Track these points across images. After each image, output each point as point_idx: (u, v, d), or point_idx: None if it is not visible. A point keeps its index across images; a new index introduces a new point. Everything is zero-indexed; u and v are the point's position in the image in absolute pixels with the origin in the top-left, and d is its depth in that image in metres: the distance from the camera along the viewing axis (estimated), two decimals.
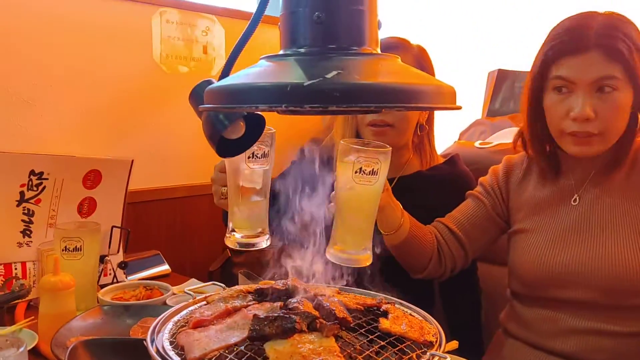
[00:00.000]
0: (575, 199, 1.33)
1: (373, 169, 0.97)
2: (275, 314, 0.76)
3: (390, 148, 0.99)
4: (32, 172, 1.44)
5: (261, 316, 0.76)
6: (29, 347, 1.13)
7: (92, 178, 1.55)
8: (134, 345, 1.09)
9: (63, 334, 1.18)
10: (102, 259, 1.57)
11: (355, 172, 0.97)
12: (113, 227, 1.59)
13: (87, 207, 1.57)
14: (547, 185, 1.39)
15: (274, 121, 0.95)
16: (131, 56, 1.92)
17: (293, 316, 0.75)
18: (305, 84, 0.55)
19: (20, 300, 1.38)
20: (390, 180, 1.60)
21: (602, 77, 1.18)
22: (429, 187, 1.55)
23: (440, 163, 1.64)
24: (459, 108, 0.63)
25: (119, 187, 1.61)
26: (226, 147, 1.00)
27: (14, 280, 1.44)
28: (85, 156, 1.55)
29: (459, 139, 2.07)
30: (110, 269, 1.60)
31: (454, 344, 1.29)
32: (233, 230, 1.11)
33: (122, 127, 1.92)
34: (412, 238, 1.36)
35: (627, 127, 1.24)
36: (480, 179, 1.50)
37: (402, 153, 1.62)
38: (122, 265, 1.60)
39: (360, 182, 0.97)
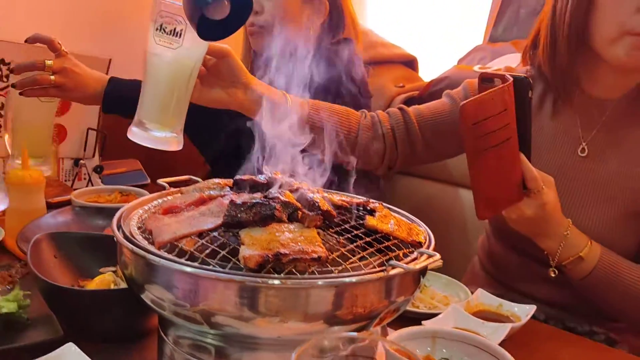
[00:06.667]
0: (584, 149, 1.13)
1: (175, 29, 0.85)
2: (254, 201, 0.70)
3: None
4: (1, 62, 1.33)
5: (238, 202, 0.70)
6: None
7: None
8: (101, 241, 1.03)
9: (31, 230, 1.12)
10: (77, 163, 1.49)
11: (157, 30, 0.85)
12: (89, 129, 1.51)
13: (60, 108, 1.47)
14: (545, 119, 1.17)
15: None
16: None
17: (273, 203, 0.69)
18: None
19: None
20: None
21: None
22: None
23: None
24: None
25: None
26: (209, 29, 0.91)
27: None
28: None
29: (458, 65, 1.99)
30: (85, 173, 1.52)
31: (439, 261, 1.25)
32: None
33: (100, 24, 1.80)
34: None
35: None
36: (448, 91, 1.31)
37: None
38: (98, 170, 1.53)
39: (161, 42, 0.86)
